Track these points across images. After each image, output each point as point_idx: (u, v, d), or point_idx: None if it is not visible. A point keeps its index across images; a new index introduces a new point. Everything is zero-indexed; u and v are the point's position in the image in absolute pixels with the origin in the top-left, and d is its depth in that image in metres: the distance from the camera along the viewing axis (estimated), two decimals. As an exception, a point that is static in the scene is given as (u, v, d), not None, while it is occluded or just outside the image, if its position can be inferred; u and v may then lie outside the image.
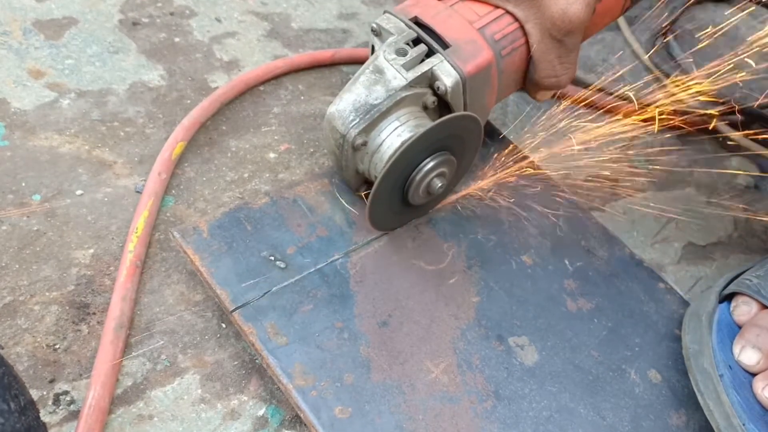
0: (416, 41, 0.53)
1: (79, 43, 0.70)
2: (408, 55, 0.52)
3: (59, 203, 0.57)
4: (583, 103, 0.75)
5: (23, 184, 0.57)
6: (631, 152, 0.74)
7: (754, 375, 0.48)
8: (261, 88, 0.71)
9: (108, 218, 0.57)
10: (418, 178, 0.52)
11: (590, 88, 0.75)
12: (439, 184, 0.53)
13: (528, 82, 0.59)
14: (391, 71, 0.52)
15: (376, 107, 0.51)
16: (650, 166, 0.74)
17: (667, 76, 0.83)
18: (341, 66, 0.76)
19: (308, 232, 0.55)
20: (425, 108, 0.54)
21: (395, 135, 0.51)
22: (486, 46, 0.53)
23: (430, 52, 0.53)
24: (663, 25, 0.90)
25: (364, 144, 0.52)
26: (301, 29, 0.79)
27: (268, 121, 0.68)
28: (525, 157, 0.62)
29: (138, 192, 0.59)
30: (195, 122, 0.64)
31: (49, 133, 0.61)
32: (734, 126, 0.78)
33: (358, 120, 0.51)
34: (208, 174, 0.62)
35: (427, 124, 0.51)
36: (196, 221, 0.53)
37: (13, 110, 0.62)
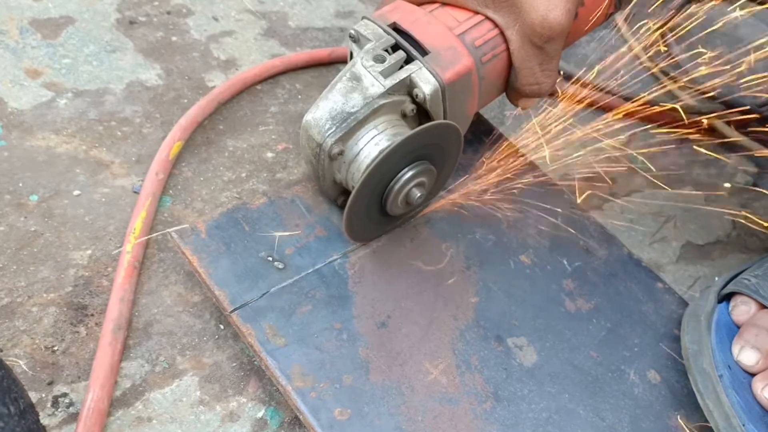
0: (395, 48, 0.52)
1: (76, 43, 0.69)
2: (386, 62, 0.50)
3: (57, 203, 0.57)
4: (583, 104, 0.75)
5: (20, 185, 0.57)
6: (629, 151, 0.74)
7: (753, 375, 0.49)
8: (258, 87, 0.71)
9: (105, 219, 0.57)
10: (396, 188, 0.50)
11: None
12: (418, 194, 0.51)
13: (509, 89, 0.57)
14: (368, 78, 0.50)
15: (353, 115, 0.49)
16: (648, 165, 0.74)
17: (665, 73, 0.83)
18: (338, 65, 0.76)
19: (306, 232, 0.54)
20: (404, 116, 0.52)
21: (373, 144, 0.50)
22: (466, 52, 0.52)
23: (409, 59, 0.51)
24: (660, 23, 0.90)
25: (341, 153, 0.51)
26: (298, 28, 0.79)
27: (266, 120, 0.68)
28: (522, 156, 0.62)
29: (135, 192, 0.59)
30: (192, 122, 0.63)
31: (46, 133, 0.61)
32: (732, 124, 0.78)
33: (334, 129, 0.49)
34: (206, 174, 0.62)
35: (406, 132, 0.49)
36: (193, 221, 0.53)
37: (10, 110, 0.62)
